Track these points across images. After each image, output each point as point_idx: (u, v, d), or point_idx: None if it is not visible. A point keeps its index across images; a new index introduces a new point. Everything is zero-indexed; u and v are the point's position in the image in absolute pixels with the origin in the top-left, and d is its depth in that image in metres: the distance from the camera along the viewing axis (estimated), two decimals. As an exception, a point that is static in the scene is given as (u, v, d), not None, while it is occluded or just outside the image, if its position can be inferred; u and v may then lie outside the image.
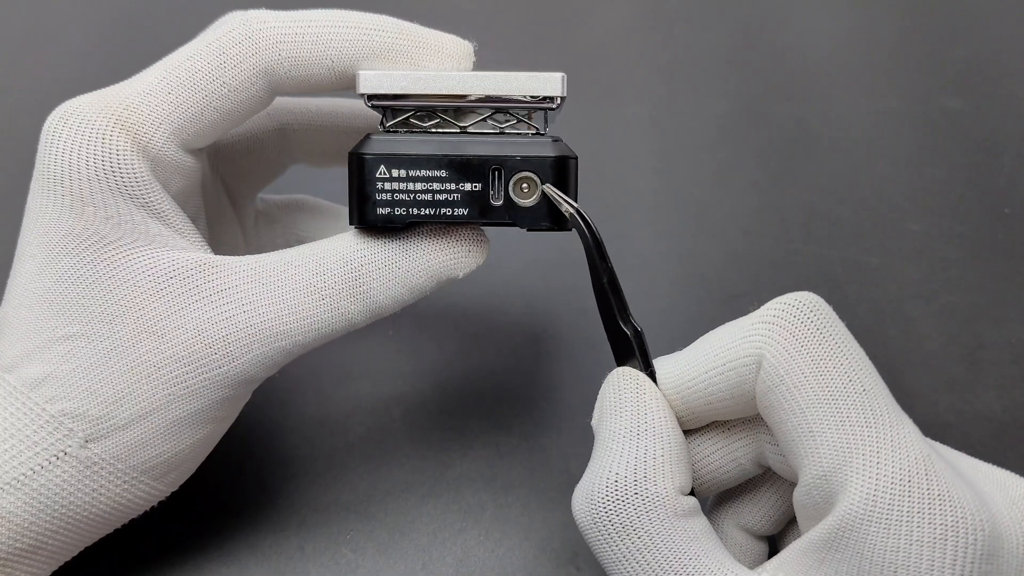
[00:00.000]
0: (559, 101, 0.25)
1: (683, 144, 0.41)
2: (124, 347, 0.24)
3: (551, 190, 0.24)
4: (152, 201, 0.24)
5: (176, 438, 0.25)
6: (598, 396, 0.25)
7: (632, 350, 0.25)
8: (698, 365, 0.24)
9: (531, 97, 0.25)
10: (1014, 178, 0.40)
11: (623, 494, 0.22)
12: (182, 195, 0.26)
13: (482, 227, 0.25)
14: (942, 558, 0.20)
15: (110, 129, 0.24)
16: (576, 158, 0.25)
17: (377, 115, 0.28)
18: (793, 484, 0.25)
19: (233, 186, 0.31)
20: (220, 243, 0.30)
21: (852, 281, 0.37)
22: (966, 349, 0.35)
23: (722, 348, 0.23)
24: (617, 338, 0.25)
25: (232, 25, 0.25)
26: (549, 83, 0.24)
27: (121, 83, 0.25)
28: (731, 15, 0.46)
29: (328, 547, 0.31)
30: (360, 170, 0.24)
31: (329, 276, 0.25)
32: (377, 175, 0.24)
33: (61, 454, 0.23)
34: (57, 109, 0.24)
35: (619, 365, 0.25)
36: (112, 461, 0.24)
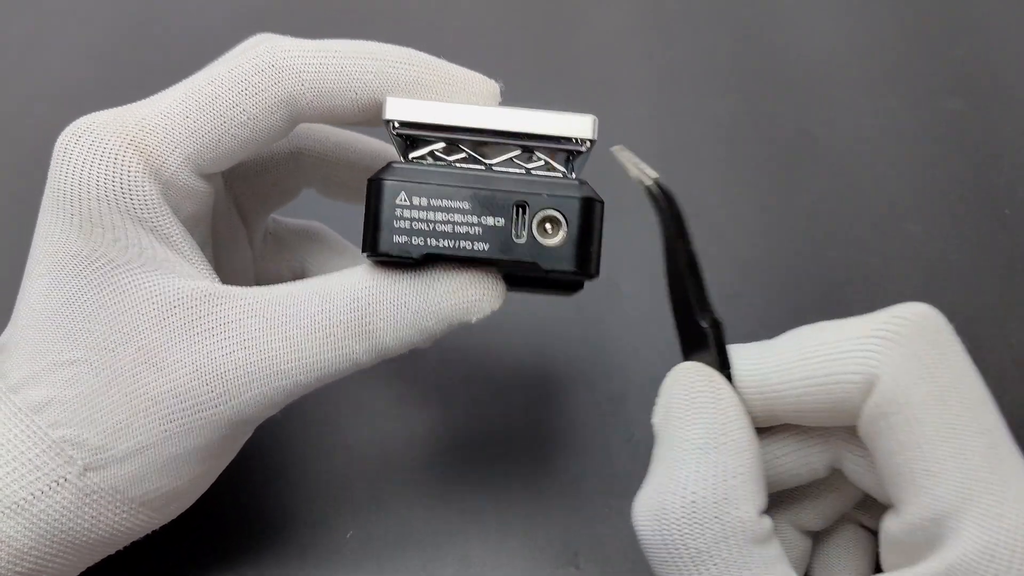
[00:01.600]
0: (588, 144, 0.24)
1: (683, 145, 0.41)
2: (124, 377, 0.23)
3: (623, 152, 0.23)
4: (161, 225, 0.24)
5: (174, 474, 0.24)
6: (662, 391, 0.23)
7: (706, 343, 0.22)
8: (791, 371, 0.22)
9: (561, 138, 0.24)
10: (1014, 179, 0.40)
11: (701, 518, 0.20)
12: (193, 219, 0.26)
13: (500, 268, 0.24)
14: None
15: (123, 150, 0.23)
16: (603, 203, 0.23)
17: (395, 153, 0.28)
18: (854, 487, 0.24)
19: (245, 204, 0.30)
20: (230, 265, 0.30)
21: (852, 281, 0.37)
22: (966, 349, 0.35)
23: (824, 357, 0.21)
24: (689, 330, 0.22)
25: (256, 52, 0.25)
26: (581, 125, 0.24)
27: (139, 102, 0.25)
28: (731, 15, 0.46)
29: (328, 548, 0.31)
30: (378, 196, 0.23)
31: (335, 314, 0.24)
32: (396, 202, 0.23)
33: (62, 480, 0.23)
34: (71, 125, 0.24)
35: (686, 358, 0.23)
36: (110, 492, 0.23)
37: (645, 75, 0.44)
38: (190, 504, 0.26)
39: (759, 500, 0.21)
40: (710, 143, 0.41)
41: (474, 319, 0.24)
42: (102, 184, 0.23)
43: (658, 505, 0.21)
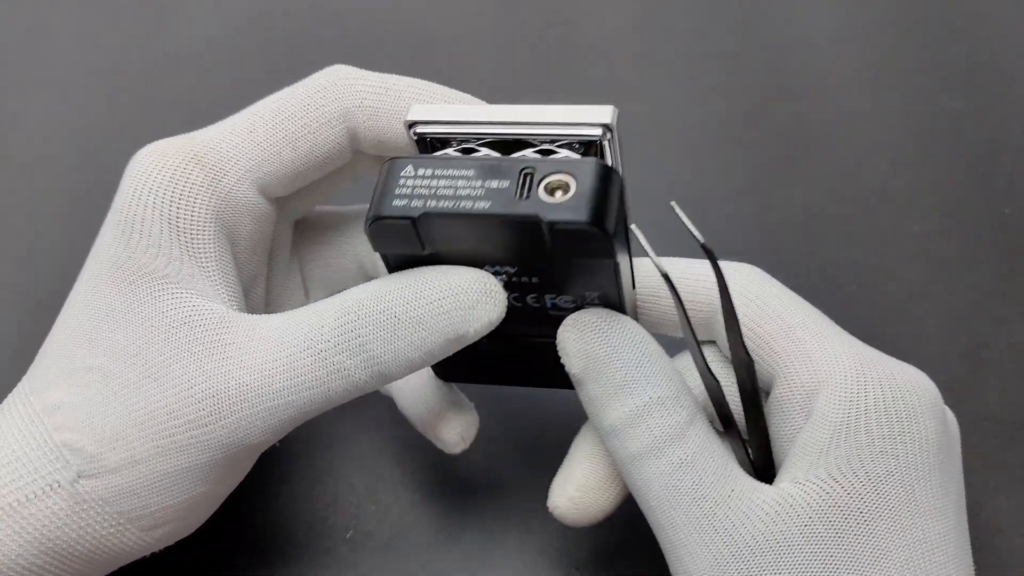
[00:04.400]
0: (605, 132, 0.23)
1: (683, 144, 0.41)
2: (129, 389, 0.23)
3: (677, 211, 0.22)
4: (197, 240, 0.24)
5: (165, 493, 0.24)
6: (570, 341, 0.23)
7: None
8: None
9: (577, 124, 0.23)
10: (1014, 178, 0.40)
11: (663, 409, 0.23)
12: (250, 242, 0.26)
13: (501, 225, 0.22)
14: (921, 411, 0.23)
15: (185, 163, 0.25)
16: (622, 177, 0.22)
17: None
18: None
19: (307, 267, 0.31)
20: (280, 302, 0.30)
21: (852, 281, 0.37)
22: (966, 349, 0.35)
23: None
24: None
25: (319, 75, 0.26)
26: (598, 112, 0.23)
27: (208, 127, 0.26)
28: (731, 15, 0.46)
29: (328, 548, 0.31)
30: (387, 171, 0.22)
31: (324, 328, 0.23)
32: (401, 173, 0.22)
33: (55, 484, 0.23)
34: (145, 148, 0.25)
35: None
36: (100, 503, 0.23)
37: (645, 75, 0.44)
38: (183, 533, 0.26)
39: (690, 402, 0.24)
40: (710, 142, 0.41)
41: (471, 331, 0.22)
42: (155, 193, 0.24)
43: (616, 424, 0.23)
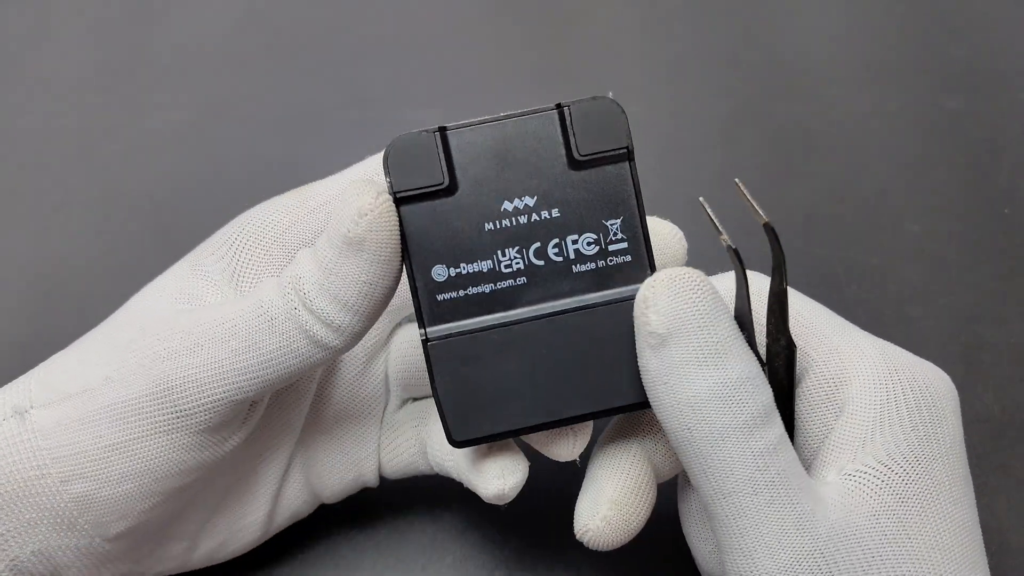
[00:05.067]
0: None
1: (683, 144, 0.41)
2: (110, 335, 0.25)
3: (741, 188, 0.23)
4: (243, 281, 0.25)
5: (103, 458, 0.24)
6: (660, 298, 0.21)
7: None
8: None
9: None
10: (1014, 178, 0.40)
11: (737, 399, 0.22)
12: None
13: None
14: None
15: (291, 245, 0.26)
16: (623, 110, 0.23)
17: None
18: None
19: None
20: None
21: (852, 281, 0.37)
22: (966, 349, 0.35)
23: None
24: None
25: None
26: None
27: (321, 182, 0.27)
28: (731, 15, 0.46)
29: (327, 547, 0.31)
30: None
31: (269, 295, 0.23)
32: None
33: (10, 415, 0.24)
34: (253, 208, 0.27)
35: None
36: (36, 434, 0.24)
37: (645, 75, 0.44)
38: (134, 535, 0.25)
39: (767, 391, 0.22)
40: (710, 142, 0.41)
41: (352, 211, 0.21)
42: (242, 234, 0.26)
43: (689, 400, 0.21)
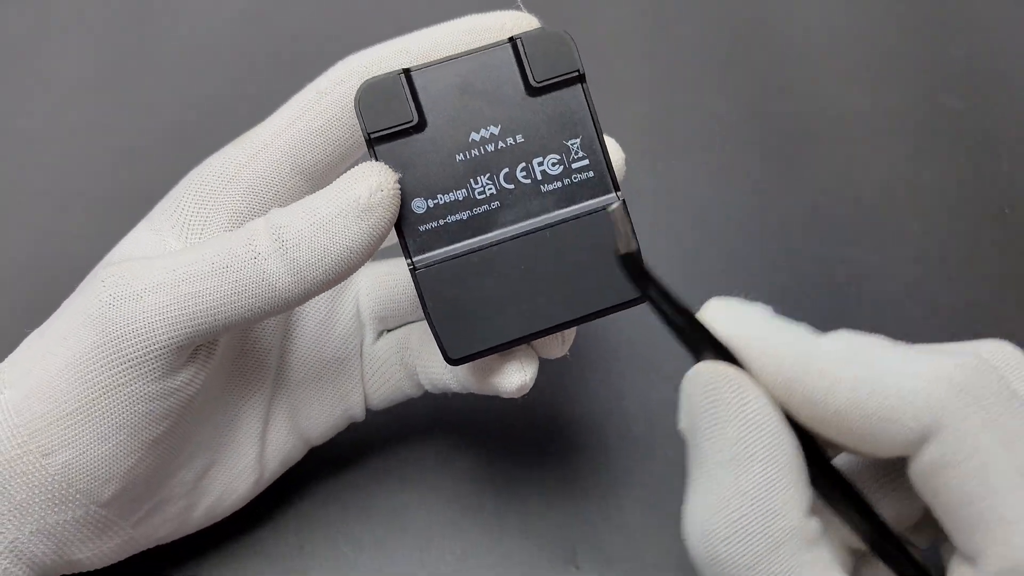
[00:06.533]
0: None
1: (683, 144, 0.41)
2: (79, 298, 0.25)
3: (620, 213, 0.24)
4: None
5: (72, 410, 0.24)
6: (684, 396, 0.21)
7: (705, 336, 0.20)
8: (835, 387, 0.20)
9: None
10: (1014, 178, 0.40)
11: (747, 533, 0.19)
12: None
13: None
14: None
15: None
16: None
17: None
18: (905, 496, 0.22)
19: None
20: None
21: (852, 281, 0.37)
22: None
23: (880, 390, 0.19)
24: (680, 320, 0.21)
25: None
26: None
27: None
28: (731, 15, 0.46)
29: (327, 545, 0.31)
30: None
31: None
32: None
33: None
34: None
35: (694, 354, 0.21)
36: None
37: (645, 75, 0.44)
38: (127, 495, 0.25)
39: (804, 501, 0.20)
40: (710, 142, 0.41)
41: (366, 197, 0.23)
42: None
43: (704, 523, 0.20)
